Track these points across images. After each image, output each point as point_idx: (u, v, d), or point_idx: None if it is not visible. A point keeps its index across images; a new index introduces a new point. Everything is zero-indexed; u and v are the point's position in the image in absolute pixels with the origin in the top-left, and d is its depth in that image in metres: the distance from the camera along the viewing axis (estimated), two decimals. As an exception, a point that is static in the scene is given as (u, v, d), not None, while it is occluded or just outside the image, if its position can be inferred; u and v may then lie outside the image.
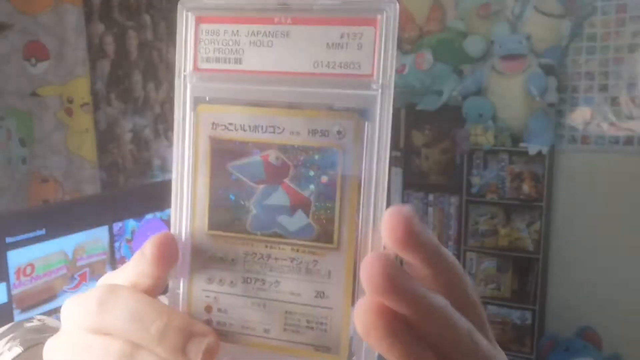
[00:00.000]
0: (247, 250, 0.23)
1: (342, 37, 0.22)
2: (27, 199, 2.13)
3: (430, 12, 2.54)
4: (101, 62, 2.44)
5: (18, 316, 1.45)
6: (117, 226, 1.77)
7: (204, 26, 0.23)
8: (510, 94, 2.31)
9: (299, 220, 0.23)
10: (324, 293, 0.23)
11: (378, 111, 0.22)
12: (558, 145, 2.39)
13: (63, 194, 2.22)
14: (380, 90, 0.22)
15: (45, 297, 1.52)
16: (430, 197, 2.55)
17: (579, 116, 2.37)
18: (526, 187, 2.36)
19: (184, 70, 0.24)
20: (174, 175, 0.24)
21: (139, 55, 2.63)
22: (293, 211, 0.23)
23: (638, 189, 2.26)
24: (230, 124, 0.23)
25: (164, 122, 2.79)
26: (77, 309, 0.24)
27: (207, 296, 0.24)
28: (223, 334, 0.23)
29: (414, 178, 2.60)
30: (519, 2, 2.36)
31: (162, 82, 2.75)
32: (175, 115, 0.24)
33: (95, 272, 1.69)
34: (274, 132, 0.23)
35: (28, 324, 0.49)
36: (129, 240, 1.81)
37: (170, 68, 2.78)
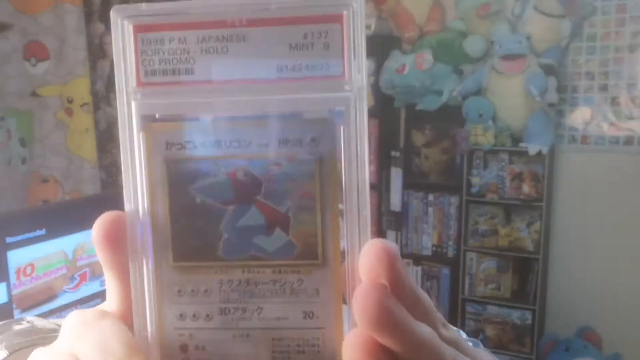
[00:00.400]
0: (222, 279, 0.21)
1: (305, 37, 0.20)
2: (27, 199, 2.13)
3: (430, 12, 2.54)
4: (101, 62, 2.44)
5: (18, 316, 1.45)
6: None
7: (145, 35, 0.21)
8: (510, 94, 2.31)
9: (277, 239, 0.21)
10: (312, 313, 0.21)
11: (353, 113, 0.20)
12: (558, 145, 2.39)
13: (63, 194, 2.22)
14: (353, 91, 0.20)
15: (45, 297, 1.52)
16: (430, 197, 2.55)
17: (579, 116, 2.37)
18: (526, 187, 2.36)
19: (127, 87, 0.21)
20: (126, 206, 0.21)
21: (139, 55, 2.63)
22: (270, 230, 0.21)
23: (638, 189, 2.26)
24: (188, 141, 0.21)
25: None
26: (67, 327, 0.23)
27: (181, 334, 0.21)
28: None
29: (414, 178, 2.60)
30: (519, 2, 2.36)
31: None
32: (120, 138, 0.21)
33: (95, 272, 1.69)
34: (239, 147, 0.21)
35: (17, 326, 0.48)
36: (129, 240, 1.81)
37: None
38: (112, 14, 0.21)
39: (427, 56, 2.45)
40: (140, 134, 0.21)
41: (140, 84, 0.21)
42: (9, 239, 1.42)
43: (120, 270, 0.22)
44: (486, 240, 2.44)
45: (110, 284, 0.22)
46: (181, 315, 0.21)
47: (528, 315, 2.38)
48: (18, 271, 1.46)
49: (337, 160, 0.21)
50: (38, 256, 1.50)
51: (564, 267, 2.43)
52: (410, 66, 2.46)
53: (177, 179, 0.21)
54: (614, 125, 2.31)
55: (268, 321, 0.21)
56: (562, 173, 2.40)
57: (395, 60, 2.44)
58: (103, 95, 2.48)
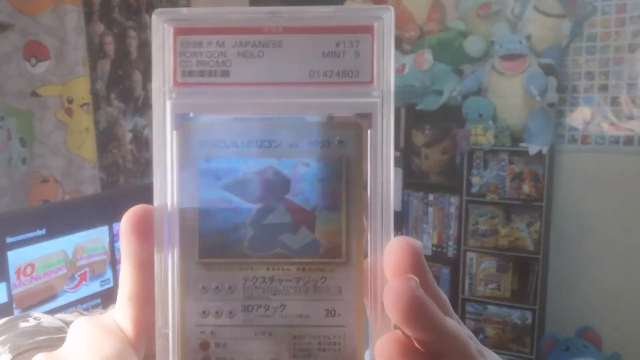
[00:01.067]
0: (247, 275, 0.22)
1: (337, 45, 0.21)
2: (27, 199, 2.13)
3: (430, 12, 2.54)
4: (101, 62, 2.44)
5: (18, 316, 1.45)
6: (117, 226, 1.77)
7: (184, 38, 0.22)
8: (510, 94, 2.31)
9: (303, 237, 0.22)
10: (335, 311, 0.22)
11: (380, 118, 0.21)
12: (558, 145, 2.39)
13: (63, 194, 2.22)
14: (381, 97, 0.21)
15: (45, 297, 1.52)
16: (430, 197, 2.55)
17: (579, 116, 2.37)
18: (526, 187, 2.36)
19: (163, 87, 0.22)
20: (156, 202, 0.22)
21: (139, 55, 2.63)
22: (296, 228, 0.22)
23: (638, 189, 2.26)
24: (220, 140, 0.22)
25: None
26: (84, 349, 0.23)
27: (202, 332, 0.22)
28: None
29: (414, 178, 2.60)
30: (519, 2, 2.36)
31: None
32: (154, 135, 0.22)
33: (95, 272, 1.69)
34: (270, 147, 0.21)
35: (23, 323, 0.48)
36: (129, 240, 1.81)
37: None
38: (153, 17, 0.21)
39: (427, 56, 2.45)
40: (174, 131, 0.21)
41: (176, 84, 0.22)
42: (9, 239, 1.42)
43: (142, 263, 0.22)
44: (486, 240, 2.44)
45: (127, 277, 0.22)
46: (204, 312, 0.22)
47: (528, 315, 2.38)
48: (18, 271, 1.46)
49: (363, 162, 0.21)
50: (38, 256, 1.50)
51: (564, 267, 2.43)
52: (410, 66, 2.46)
53: (208, 176, 0.21)
54: (614, 125, 2.31)
55: (290, 319, 0.22)
56: (562, 173, 2.40)
57: (395, 60, 2.44)
58: (103, 95, 2.48)
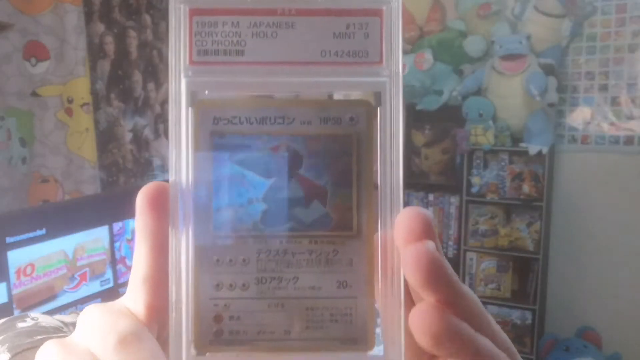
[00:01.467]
0: (260, 249, 0.22)
1: (348, 27, 0.22)
2: (27, 199, 2.13)
3: (430, 12, 2.54)
4: (101, 62, 2.44)
5: (18, 316, 1.45)
6: (117, 226, 1.77)
7: (199, 18, 0.22)
8: (510, 94, 2.31)
9: (315, 211, 0.22)
10: (346, 282, 0.22)
11: (389, 96, 0.22)
12: (558, 145, 2.39)
13: (63, 194, 2.22)
14: (390, 77, 0.22)
15: (45, 297, 1.52)
16: (430, 197, 2.55)
17: (579, 116, 2.37)
18: (526, 187, 2.36)
19: (178, 65, 0.22)
20: (171, 177, 0.22)
21: (139, 55, 2.63)
22: (308, 202, 0.22)
23: (638, 189, 2.26)
24: (234, 117, 0.22)
25: (164, 122, 2.79)
26: (96, 329, 0.23)
27: (216, 305, 0.22)
28: (238, 344, 0.22)
29: (414, 178, 2.60)
30: (519, 2, 2.36)
31: (162, 82, 2.75)
32: (170, 112, 0.22)
33: (95, 272, 1.69)
34: (283, 123, 0.22)
35: (20, 324, 0.48)
36: (129, 240, 1.81)
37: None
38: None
39: (427, 56, 2.45)
40: (189, 108, 0.22)
41: (192, 62, 0.22)
42: (9, 239, 1.42)
43: (158, 244, 0.22)
44: (486, 240, 2.44)
45: (142, 259, 0.22)
46: (217, 285, 0.22)
47: (528, 315, 2.38)
48: (18, 271, 1.46)
49: (373, 139, 0.22)
50: (38, 256, 1.50)
51: (564, 267, 2.43)
52: (410, 66, 2.46)
53: (222, 152, 0.22)
54: (614, 125, 2.31)
55: (303, 290, 0.22)
56: (562, 173, 2.40)
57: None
58: (103, 95, 2.48)
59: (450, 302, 0.21)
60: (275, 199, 0.22)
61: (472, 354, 0.20)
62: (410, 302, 0.22)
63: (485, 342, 0.21)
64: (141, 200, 0.22)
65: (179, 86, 0.22)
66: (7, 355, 0.40)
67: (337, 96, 0.23)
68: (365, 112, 0.22)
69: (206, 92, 0.22)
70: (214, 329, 0.22)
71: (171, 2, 0.22)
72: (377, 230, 0.22)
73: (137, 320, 0.22)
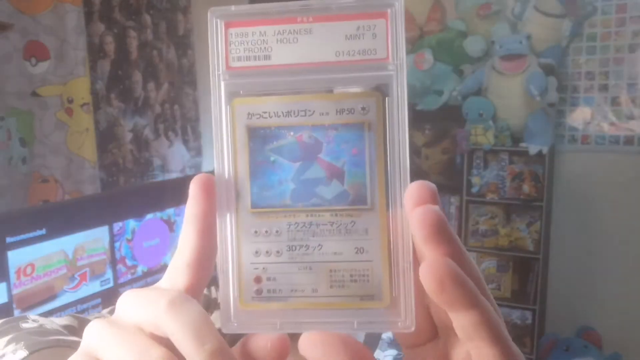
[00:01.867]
0: (290, 221, 0.26)
1: (358, 29, 0.26)
2: (27, 199, 2.13)
3: (430, 12, 2.54)
4: (101, 62, 2.44)
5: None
6: (117, 226, 1.77)
7: (233, 30, 0.27)
8: (511, 94, 2.31)
9: (335, 188, 0.26)
10: (363, 249, 0.26)
11: (395, 87, 0.26)
12: (558, 145, 2.39)
13: (63, 194, 2.22)
14: (395, 71, 0.26)
15: (45, 297, 1.52)
16: (430, 197, 2.55)
17: (579, 116, 2.37)
18: (526, 187, 2.36)
19: (218, 70, 0.27)
20: (216, 165, 0.26)
21: (139, 55, 2.63)
22: (329, 181, 0.26)
23: (638, 189, 2.27)
24: (265, 112, 0.26)
25: (163, 122, 2.79)
26: (142, 301, 0.25)
27: (256, 268, 0.26)
28: (275, 300, 0.26)
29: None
30: (519, 2, 2.36)
31: (162, 82, 2.75)
32: (212, 110, 0.27)
33: (95, 272, 1.69)
34: (305, 115, 0.26)
35: (24, 324, 0.48)
36: (129, 240, 1.81)
37: (170, 68, 2.78)
38: (208, 14, 0.27)
39: (427, 56, 2.45)
40: (228, 107, 0.26)
41: (228, 67, 0.27)
42: (9, 239, 1.42)
43: (205, 228, 0.25)
44: (486, 240, 2.45)
45: (188, 243, 0.25)
46: (256, 252, 0.26)
47: (528, 315, 2.38)
48: (18, 271, 1.46)
49: (382, 125, 0.26)
50: (38, 256, 1.50)
51: (564, 267, 2.43)
52: (410, 66, 2.46)
53: (256, 141, 0.26)
54: (614, 125, 2.31)
55: (327, 256, 0.26)
56: (562, 173, 2.40)
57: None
58: (103, 95, 2.48)
59: (453, 256, 0.24)
60: (301, 180, 0.26)
61: (474, 302, 0.23)
62: (417, 264, 0.25)
63: (484, 299, 0.24)
64: (193, 187, 0.25)
65: (219, 88, 0.27)
66: (25, 352, 0.41)
67: (351, 89, 0.26)
68: (375, 102, 0.26)
69: (241, 92, 0.26)
70: (254, 288, 0.26)
71: (209, 17, 0.27)
72: (389, 204, 0.26)
73: (180, 290, 0.25)
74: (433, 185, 0.25)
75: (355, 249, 0.26)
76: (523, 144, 2.32)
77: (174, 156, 2.86)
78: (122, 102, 2.56)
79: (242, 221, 0.26)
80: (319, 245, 0.26)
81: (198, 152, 3.03)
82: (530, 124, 2.29)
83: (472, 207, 2.46)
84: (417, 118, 2.54)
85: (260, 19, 0.26)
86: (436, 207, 0.24)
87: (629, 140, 2.29)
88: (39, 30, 2.10)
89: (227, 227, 0.26)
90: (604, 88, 2.31)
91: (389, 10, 0.26)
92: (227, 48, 0.27)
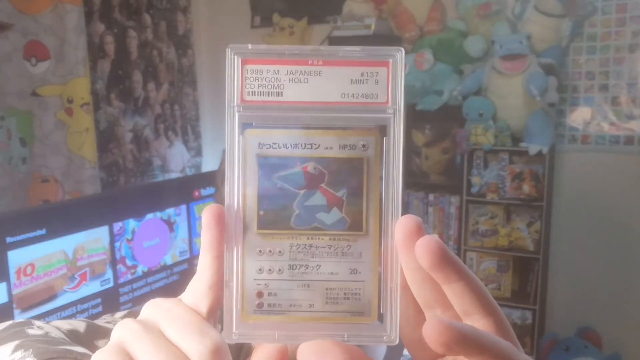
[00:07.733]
0: (292, 243, 0.29)
1: (362, 75, 0.29)
2: (27, 199, 2.13)
3: (430, 12, 2.54)
4: (101, 62, 2.44)
5: (18, 316, 1.45)
6: (117, 226, 1.77)
7: (249, 66, 0.29)
8: (511, 94, 2.31)
9: (334, 215, 0.29)
10: (356, 270, 0.29)
11: (392, 129, 0.29)
12: (558, 145, 2.39)
13: (63, 194, 2.22)
14: (393, 114, 0.29)
15: (45, 297, 1.52)
16: (431, 197, 2.55)
17: (579, 116, 2.37)
18: (526, 187, 2.36)
19: (233, 102, 0.29)
20: (227, 189, 0.29)
21: (139, 55, 2.63)
22: (329, 209, 0.29)
23: (638, 189, 2.27)
24: (275, 143, 0.29)
25: (164, 122, 2.79)
26: (154, 308, 0.28)
27: (259, 284, 0.29)
28: (274, 313, 0.29)
29: (414, 178, 2.60)
30: (519, 2, 2.36)
31: (162, 82, 2.75)
32: (226, 139, 0.29)
33: (95, 272, 1.69)
34: (311, 148, 0.29)
35: (30, 330, 0.48)
36: (129, 240, 1.81)
37: (170, 68, 2.78)
38: (227, 50, 0.29)
39: (427, 56, 2.45)
40: (241, 136, 0.29)
41: (243, 100, 0.29)
42: (9, 239, 1.42)
43: (219, 248, 0.28)
44: (486, 240, 2.45)
45: (208, 269, 0.28)
46: (259, 269, 0.29)
47: (528, 315, 2.38)
48: (18, 271, 1.46)
49: (380, 161, 0.29)
50: (38, 256, 1.50)
51: (564, 267, 2.43)
52: (411, 66, 2.46)
53: (265, 169, 0.29)
54: (614, 125, 2.31)
55: (324, 275, 0.29)
56: (562, 173, 2.40)
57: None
58: (103, 95, 2.48)
59: (459, 278, 0.26)
60: (305, 206, 0.29)
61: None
62: (405, 285, 0.28)
63: (488, 336, 0.25)
64: (206, 217, 0.28)
65: (234, 119, 0.29)
66: None
67: (353, 128, 0.29)
68: (374, 140, 0.29)
69: (253, 123, 0.29)
70: (256, 302, 0.29)
71: (227, 53, 0.29)
72: (382, 231, 0.29)
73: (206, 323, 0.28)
74: (419, 219, 0.27)
75: (349, 270, 0.29)
76: (523, 144, 2.32)
77: (174, 156, 2.86)
78: (122, 102, 2.56)
79: (248, 241, 0.29)
80: (318, 265, 0.29)
81: (198, 152, 3.03)
82: (531, 123, 2.29)
83: (472, 207, 2.46)
84: (417, 118, 2.54)
85: (275, 59, 0.29)
86: (437, 237, 0.26)
87: (629, 140, 2.29)
88: (39, 30, 2.10)
89: (233, 246, 0.29)
90: (604, 88, 2.31)
91: (390, 60, 0.29)
92: (242, 83, 0.29)
